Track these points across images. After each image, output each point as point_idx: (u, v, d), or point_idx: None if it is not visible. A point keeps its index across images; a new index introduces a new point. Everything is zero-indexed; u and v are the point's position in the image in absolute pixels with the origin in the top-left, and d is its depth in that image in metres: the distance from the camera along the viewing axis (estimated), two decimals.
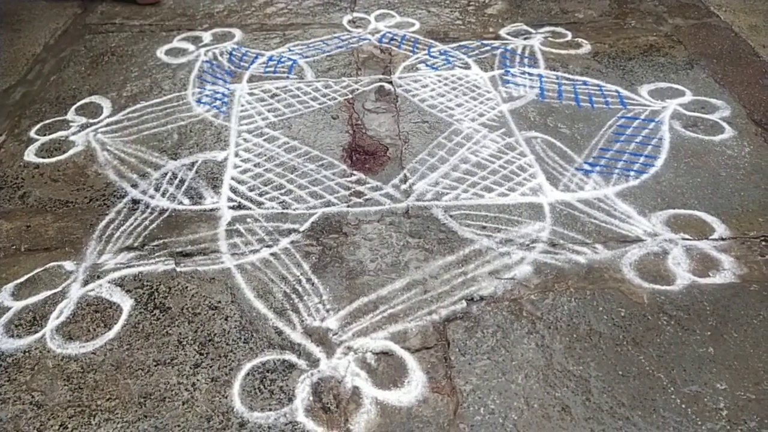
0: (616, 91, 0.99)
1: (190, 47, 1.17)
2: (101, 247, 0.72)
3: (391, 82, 1.04)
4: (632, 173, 0.81)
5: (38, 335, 0.62)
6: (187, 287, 0.66)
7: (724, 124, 0.91)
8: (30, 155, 0.89)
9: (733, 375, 0.55)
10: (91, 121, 0.95)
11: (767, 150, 0.85)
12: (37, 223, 0.76)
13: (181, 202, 0.78)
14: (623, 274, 0.66)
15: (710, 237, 0.71)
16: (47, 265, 0.70)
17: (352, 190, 0.80)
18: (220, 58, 1.13)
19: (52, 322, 0.63)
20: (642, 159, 0.83)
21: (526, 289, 0.65)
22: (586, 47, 1.13)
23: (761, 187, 0.78)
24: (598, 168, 0.82)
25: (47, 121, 0.95)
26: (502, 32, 1.18)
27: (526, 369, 0.57)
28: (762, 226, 0.72)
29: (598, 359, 0.57)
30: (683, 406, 0.53)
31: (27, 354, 0.60)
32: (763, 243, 0.70)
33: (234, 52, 1.15)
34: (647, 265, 0.67)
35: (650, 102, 0.96)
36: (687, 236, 0.71)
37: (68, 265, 0.70)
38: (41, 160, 0.88)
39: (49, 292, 0.66)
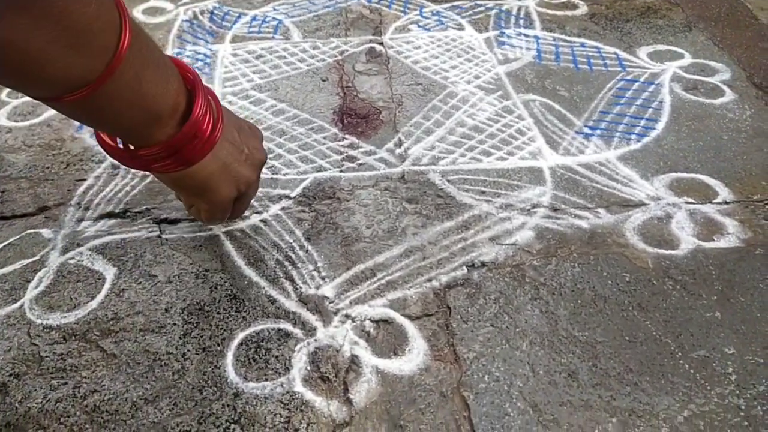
0: (615, 53, 0.96)
1: (169, 6, 1.11)
2: (80, 214, 0.68)
3: (382, 44, 0.99)
4: (633, 136, 0.79)
5: (16, 305, 0.58)
6: (173, 255, 0.63)
7: (725, 87, 0.89)
8: (2, 119, 0.84)
9: (741, 339, 0.54)
10: None
11: None
12: (11, 189, 0.72)
13: None
14: (627, 238, 0.65)
15: (714, 201, 0.69)
16: (23, 233, 0.66)
17: (345, 154, 0.77)
18: (200, 17, 1.07)
19: (31, 291, 0.59)
20: (643, 122, 0.81)
21: (528, 254, 0.63)
22: (583, 8, 1.09)
23: (763, 150, 0.77)
24: (598, 131, 0.80)
25: None
26: None
27: (530, 335, 0.55)
28: (766, 190, 0.70)
29: (604, 325, 0.56)
30: (691, 371, 0.52)
31: (5, 325, 0.56)
32: (767, 206, 0.68)
33: (215, 11, 1.09)
34: (651, 230, 0.65)
35: (649, 64, 0.94)
36: (690, 200, 0.69)
37: (46, 232, 0.66)
38: (14, 124, 0.83)
39: (26, 261, 0.63)
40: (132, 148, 0.48)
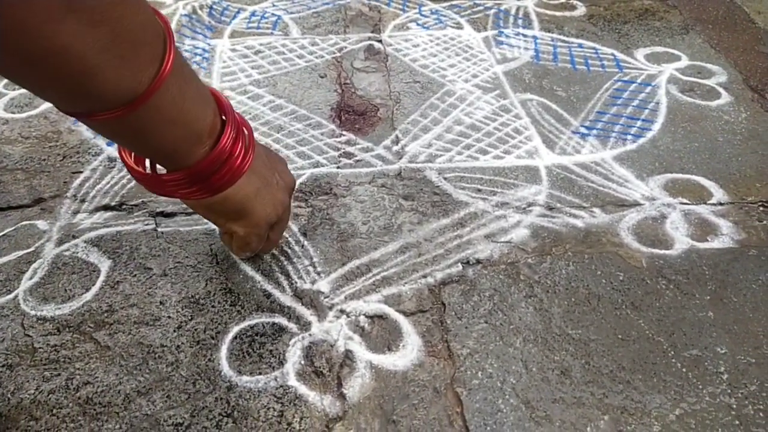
0: (612, 54, 0.96)
1: (168, 0, 1.10)
2: (76, 206, 0.68)
3: (380, 41, 1.00)
4: (629, 137, 0.79)
5: (10, 296, 0.58)
6: (168, 248, 0.63)
7: (721, 90, 0.89)
8: None
9: (733, 339, 0.54)
10: None
11: (764, 116, 0.84)
12: (7, 180, 0.71)
13: None
14: (621, 238, 0.65)
15: (708, 202, 0.69)
16: (18, 224, 0.66)
17: (342, 150, 0.77)
18: (199, 11, 1.07)
19: (25, 282, 0.59)
20: (639, 123, 0.82)
21: (523, 252, 0.63)
22: (581, 9, 1.10)
23: (758, 152, 0.77)
24: (594, 131, 0.80)
25: None
26: None
27: (524, 333, 0.55)
28: (760, 192, 0.71)
29: (597, 323, 0.56)
30: (684, 370, 0.52)
31: None
32: (761, 208, 0.69)
33: (215, 6, 1.09)
34: (645, 230, 0.66)
35: (646, 66, 0.94)
36: (685, 201, 0.69)
37: (41, 224, 0.66)
38: (11, 116, 0.83)
39: (21, 252, 0.62)
40: (159, 173, 0.46)
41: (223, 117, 0.44)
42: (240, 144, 0.45)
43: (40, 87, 0.34)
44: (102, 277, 0.60)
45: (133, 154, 0.47)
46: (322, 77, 0.91)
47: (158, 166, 0.47)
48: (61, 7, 0.28)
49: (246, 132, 0.47)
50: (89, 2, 0.29)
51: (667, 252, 0.63)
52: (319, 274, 0.60)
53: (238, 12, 1.07)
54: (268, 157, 0.52)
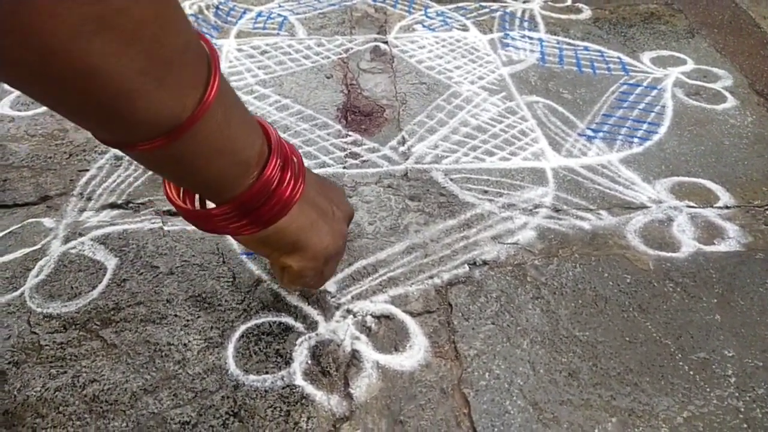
0: (618, 58, 0.96)
1: None
2: (83, 204, 0.68)
3: (386, 42, 1.00)
4: (636, 140, 0.79)
5: (16, 294, 0.58)
6: (175, 246, 0.63)
7: (727, 94, 0.89)
8: (5, 108, 0.83)
9: (741, 342, 0.54)
10: None
11: None
12: (13, 178, 0.71)
13: None
14: (628, 240, 0.65)
15: (715, 205, 0.69)
16: (25, 222, 0.66)
17: (348, 151, 0.77)
18: (206, 12, 1.07)
19: (31, 280, 0.59)
20: (645, 126, 0.82)
21: (530, 254, 0.63)
22: (587, 13, 1.10)
23: (765, 156, 0.77)
24: (601, 134, 0.80)
25: None
26: None
27: (531, 334, 0.55)
28: (766, 195, 0.71)
29: (604, 325, 0.56)
30: (691, 372, 0.52)
31: (4, 313, 0.56)
32: (767, 212, 0.69)
33: (221, 6, 1.09)
34: (652, 232, 0.66)
35: (652, 69, 0.94)
36: (692, 204, 0.69)
37: (47, 221, 0.66)
38: (17, 113, 0.83)
39: (27, 250, 0.62)
40: (207, 209, 0.42)
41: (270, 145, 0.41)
42: (289, 173, 0.42)
43: (74, 112, 0.31)
44: (108, 275, 0.60)
45: (180, 189, 0.44)
46: (328, 78, 0.91)
47: (207, 202, 0.44)
48: (89, 22, 0.26)
49: (295, 160, 0.44)
50: (118, 19, 0.26)
51: (674, 255, 0.63)
52: None
53: (244, 12, 1.08)
54: (323, 186, 0.48)
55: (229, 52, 0.96)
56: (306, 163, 0.74)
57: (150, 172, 0.72)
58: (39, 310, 0.56)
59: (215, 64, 0.34)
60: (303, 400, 0.49)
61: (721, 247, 0.64)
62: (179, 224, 0.65)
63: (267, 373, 0.51)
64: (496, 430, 0.48)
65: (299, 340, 0.54)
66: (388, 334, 0.55)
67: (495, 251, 0.63)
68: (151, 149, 0.33)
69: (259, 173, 0.40)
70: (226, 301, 0.57)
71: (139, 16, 0.27)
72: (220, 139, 0.35)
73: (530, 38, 1.01)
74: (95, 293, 0.58)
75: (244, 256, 0.62)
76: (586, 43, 1.00)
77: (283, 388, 0.50)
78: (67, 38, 0.25)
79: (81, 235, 0.64)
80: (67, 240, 0.63)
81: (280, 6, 1.10)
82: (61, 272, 0.60)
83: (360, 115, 0.83)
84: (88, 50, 0.26)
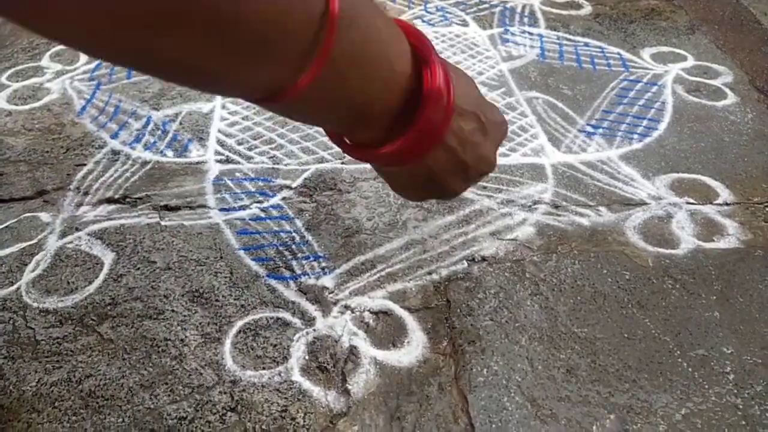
0: (618, 54, 0.96)
1: None
2: (79, 198, 0.68)
3: None
4: (635, 136, 0.79)
5: (12, 288, 0.57)
6: (172, 241, 0.63)
7: (727, 90, 0.89)
8: (2, 102, 0.83)
9: (740, 339, 0.54)
10: (67, 68, 0.89)
11: None
12: (9, 172, 0.71)
13: (164, 155, 0.74)
14: (627, 237, 0.64)
15: (714, 202, 0.69)
16: (21, 216, 0.65)
17: None
18: None
19: (28, 275, 0.59)
20: (645, 122, 0.81)
21: (529, 250, 0.63)
22: (587, 8, 1.09)
23: (764, 153, 0.77)
24: (600, 130, 0.80)
25: (20, 67, 0.89)
26: None
27: (529, 330, 0.55)
28: (766, 192, 0.70)
29: (603, 322, 0.56)
30: (690, 369, 0.52)
31: (0, 307, 0.56)
32: (767, 209, 0.68)
33: None
34: (651, 229, 0.65)
35: (652, 65, 0.94)
36: (691, 200, 0.69)
37: (44, 216, 0.65)
38: (14, 107, 0.82)
39: (23, 244, 0.62)
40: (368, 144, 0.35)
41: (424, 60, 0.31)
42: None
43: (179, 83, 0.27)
44: (105, 270, 0.59)
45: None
46: None
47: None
48: (165, 16, 0.22)
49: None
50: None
51: (673, 251, 0.63)
52: (323, 269, 0.60)
53: None
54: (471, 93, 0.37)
55: None
56: (304, 158, 0.74)
57: (147, 168, 0.72)
58: (35, 305, 0.56)
59: (331, 26, 0.26)
60: (300, 396, 0.49)
61: (720, 244, 0.64)
62: (176, 219, 0.65)
63: (264, 368, 0.51)
64: (493, 426, 0.47)
65: (297, 335, 0.54)
66: (386, 330, 0.55)
67: (494, 247, 0.63)
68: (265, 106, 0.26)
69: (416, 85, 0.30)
70: (223, 296, 0.57)
71: None
72: (334, 95, 0.26)
73: (530, 34, 1.01)
74: (92, 288, 0.58)
75: (242, 251, 0.61)
76: (586, 39, 1.00)
77: (281, 383, 0.50)
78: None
79: (78, 229, 0.64)
80: (63, 235, 0.63)
81: None
82: (57, 267, 0.60)
83: None
84: (160, 49, 0.23)
